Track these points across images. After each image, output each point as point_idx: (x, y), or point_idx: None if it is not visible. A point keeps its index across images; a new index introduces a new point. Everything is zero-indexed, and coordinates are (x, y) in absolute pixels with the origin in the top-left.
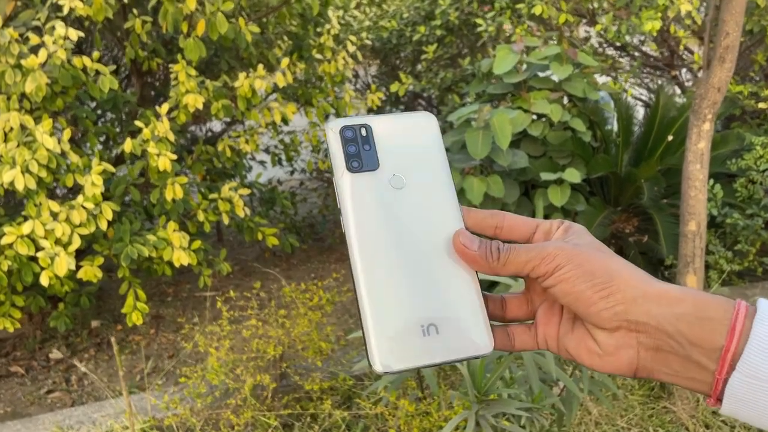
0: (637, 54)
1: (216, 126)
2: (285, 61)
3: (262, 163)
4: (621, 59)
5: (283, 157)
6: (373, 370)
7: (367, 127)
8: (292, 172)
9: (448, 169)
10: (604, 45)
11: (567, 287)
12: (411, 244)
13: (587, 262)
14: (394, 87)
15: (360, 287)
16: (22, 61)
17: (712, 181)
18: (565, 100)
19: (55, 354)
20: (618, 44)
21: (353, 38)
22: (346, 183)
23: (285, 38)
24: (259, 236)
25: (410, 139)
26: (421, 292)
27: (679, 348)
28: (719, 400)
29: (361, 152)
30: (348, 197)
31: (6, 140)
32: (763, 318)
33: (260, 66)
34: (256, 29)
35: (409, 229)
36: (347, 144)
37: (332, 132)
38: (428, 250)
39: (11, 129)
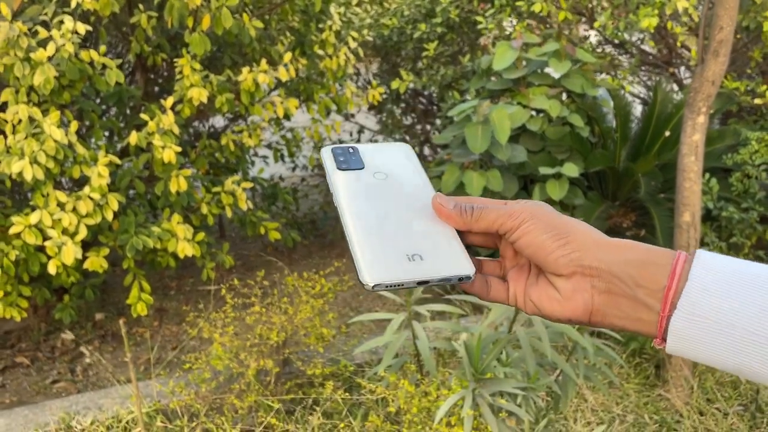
0: (635, 51)
1: (219, 122)
2: (287, 56)
3: (264, 158)
4: (620, 57)
5: (285, 152)
6: (364, 285)
7: (354, 148)
8: (293, 168)
9: (426, 176)
10: (603, 43)
11: (530, 239)
12: (395, 209)
13: (547, 217)
14: (395, 84)
15: (349, 228)
16: (31, 55)
17: (708, 175)
18: (564, 96)
19: (66, 335)
20: (617, 42)
21: (354, 34)
22: (338, 177)
23: (287, 34)
24: (262, 231)
25: (391, 155)
26: (405, 232)
27: (628, 290)
28: (664, 339)
29: (349, 159)
30: (340, 184)
31: (15, 132)
32: (701, 262)
33: (263, 60)
34: (260, 24)
35: (392, 202)
36: (337, 156)
37: (325, 152)
38: (410, 212)
39: (20, 121)
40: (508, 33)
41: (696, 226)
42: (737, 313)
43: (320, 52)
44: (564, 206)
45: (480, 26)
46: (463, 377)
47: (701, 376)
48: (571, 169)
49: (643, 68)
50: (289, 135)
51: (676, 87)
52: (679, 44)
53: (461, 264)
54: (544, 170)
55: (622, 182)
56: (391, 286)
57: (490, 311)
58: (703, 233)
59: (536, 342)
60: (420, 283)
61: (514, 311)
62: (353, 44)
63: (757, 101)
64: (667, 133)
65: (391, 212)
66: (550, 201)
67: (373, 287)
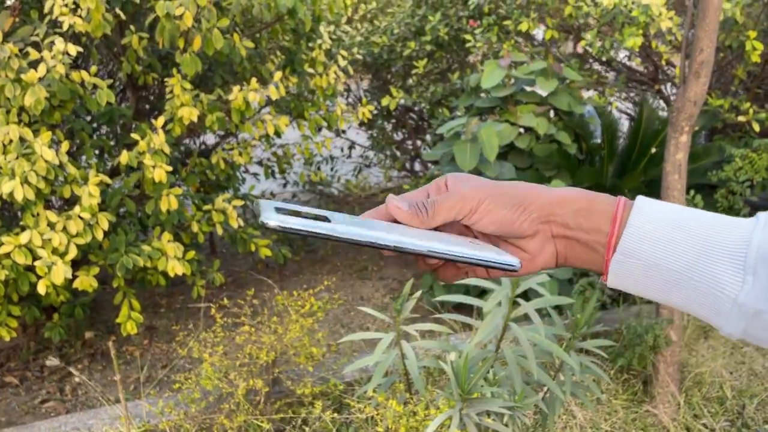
0: (622, 69)
1: (210, 139)
2: (278, 74)
3: (255, 175)
4: (606, 74)
5: (276, 169)
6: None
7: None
8: (284, 185)
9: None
10: (590, 60)
11: (492, 217)
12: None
13: (500, 192)
14: (385, 101)
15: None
16: (22, 76)
17: (693, 192)
18: (551, 114)
19: (52, 361)
20: (603, 59)
21: (344, 53)
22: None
23: (278, 53)
24: (252, 247)
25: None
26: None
27: (580, 236)
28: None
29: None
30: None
31: (5, 152)
32: (638, 209)
33: (253, 79)
34: (250, 44)
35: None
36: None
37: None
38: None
39: (10, 141)
40: (496, 51)
41: None
42: (664, 254)
43: (310, 70)
44: None
45: (469, 44)
46: (451, 397)
47: (688, 392)
48: (559, 186)
49: (630, 85)
50: (280, 152)
51: (662, 104)
52: (664, 62)
53: (507, 256)
54: None
55: None
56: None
57: (477, 330)
58: None
59: (523, 360)
60: (479, 263)
61: (501, 330)
62: (343, 62)
63: (741, 118)
64: (654, 150)
65: (423, 232)
66: None
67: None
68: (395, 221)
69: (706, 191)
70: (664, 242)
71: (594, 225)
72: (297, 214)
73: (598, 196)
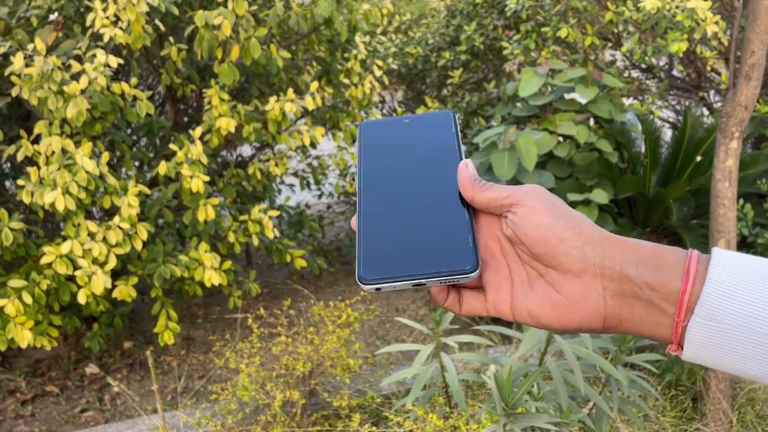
0: (663, 76)
1: (246, 151)
2: (314, 84)
3: (291, 186)
4: (648, 81)
5: (311, 180)
6: (359, 284)
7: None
8: (320, 196)
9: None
10: (629, 68)
11: (539, 218)
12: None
13: (556, 203)
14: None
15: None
16: (64, 88)
17: (742, 201)
18: (591, 122)
19: (92, 368)
20: (644, 66)
21: (380, 62)
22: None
23: (314, 63)
24: (288, 258)
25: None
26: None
27: (641, 292)
28: (680, 346)
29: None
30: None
31: (48, 163)
32: (719, 263)
33: (290, 90)
34: (287, 55)
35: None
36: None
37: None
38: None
39: (53, 153)
40: (533, 59)
41: None
42: (760, 318)
43: (346, 80)
44: None
45: (506, 52)
46: (493, 411)
47: (740, 409)
48: (601, 196)
49: (671, 92)
50: (315, 163)
51: (706, 111)
52: (708, 68)
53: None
54: (573, 197)
55: (652, 208)
56: (387, 286)
57: (520, 342)
58: None
59: (568, 374)
60: (416, 285)
61: (545, 343)
62: (378, 73)
63: None
64: (699, 158)
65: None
66: None
67: (367, 288)
68: None
69: (754, 201)
70: (758, 302)
71: (662, 280)
72: None
73: (664, 247)
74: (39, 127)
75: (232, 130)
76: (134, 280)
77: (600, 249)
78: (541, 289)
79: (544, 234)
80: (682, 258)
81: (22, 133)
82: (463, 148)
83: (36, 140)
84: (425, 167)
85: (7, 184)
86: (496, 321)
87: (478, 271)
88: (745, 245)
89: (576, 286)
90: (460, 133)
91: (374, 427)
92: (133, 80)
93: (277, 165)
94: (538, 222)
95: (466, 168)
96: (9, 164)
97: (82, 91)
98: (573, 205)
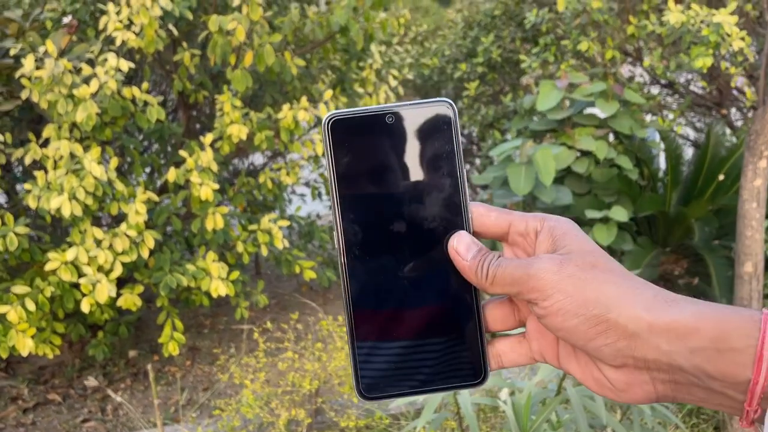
0: (684, 92)
1: (258, 159)
2: (328, 93)
3: (302, 196)
4: (668, 97)
5: (323, 190)
6: (359, 397)
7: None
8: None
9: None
10: (649, 83)
11: (558, 321)
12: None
13: (578, 290)
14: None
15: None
16: (74, 91)
17: None
18: (611, 137)
19: (91, 382)
20: (663, 82)
21: (395, 73)
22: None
23: (328, 72)
24: (297, 269)
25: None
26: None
27: (699, 382)
28: (752, 423)
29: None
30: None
31: (55, 167)
32: None
33: (303, 98)
34: (302, 62)
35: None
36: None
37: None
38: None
39: (61, 157)
40: (552, 72)
41: (759, 278)
42: None
43: (360, 90)
44: (612, 252)
45: (524, 65)
46: None
47: None
48: (620, 213)
49: (691, 109)
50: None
51: (728, 129)
52: (733, 84)
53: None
54: (591, 213)
55: (673, 227)
56: (389, 399)
57: (535, 365)
58: (765, 283)
59: (588, 401)
60: (417, 393)
61: None
62: (393, 83)
63: None
64: (721, 177)
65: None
66: None
67: (367, 402)
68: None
69: None
70: None
71: (726, 370)
72: None
73: (729, 324)
74: (48, 131)
75: (244, 137)
76: (140, 288)
77: (639, 342)
78: (584, 360)
79: (567, 336)
80: (751, 338)
81: (31, 136)
82: (465, 166)
83: (44, 144)
84: (416, 209)
85: (18, 187)
86: None
87: (488, 379)
88: None
89: (619, 375)
90: (461, 138)
91: None
92: (145, 85)
93: (288, 174)
94: (556, 324)
95: (462, 255)
96: (20, 168)
97: (93, 95)
98: (591, 222)
